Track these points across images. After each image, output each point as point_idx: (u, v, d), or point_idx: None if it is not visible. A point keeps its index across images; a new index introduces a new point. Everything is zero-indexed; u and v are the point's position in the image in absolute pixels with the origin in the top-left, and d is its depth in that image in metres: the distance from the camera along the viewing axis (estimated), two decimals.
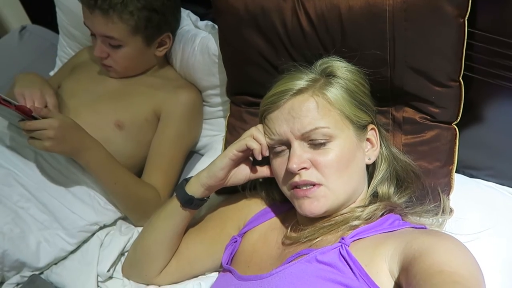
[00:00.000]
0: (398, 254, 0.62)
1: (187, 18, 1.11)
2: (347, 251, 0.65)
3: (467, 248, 0.62)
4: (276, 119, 0.73)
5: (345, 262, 0.64)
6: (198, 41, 1.05)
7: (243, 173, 0.81)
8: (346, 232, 0.70)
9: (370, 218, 0.71)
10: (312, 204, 0.70)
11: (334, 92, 0.73)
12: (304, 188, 0.71)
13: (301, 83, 0.73)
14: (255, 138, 0.75)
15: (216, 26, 1.04)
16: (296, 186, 0.72)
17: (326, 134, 0.70)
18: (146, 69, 1.08)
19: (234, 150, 0.76)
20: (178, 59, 1.10)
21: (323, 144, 0.70)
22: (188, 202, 0.80)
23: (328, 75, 0.75)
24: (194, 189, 0.79)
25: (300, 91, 0.72)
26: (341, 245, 0.66)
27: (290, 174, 0.72)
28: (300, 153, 0.70)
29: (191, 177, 0.82)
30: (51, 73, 1.36)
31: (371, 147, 0.76)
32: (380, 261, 0.63)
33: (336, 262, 0.64)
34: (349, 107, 0.73)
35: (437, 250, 0.59)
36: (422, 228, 0.73)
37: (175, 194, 0.82)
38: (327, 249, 0.66)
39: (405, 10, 0.74)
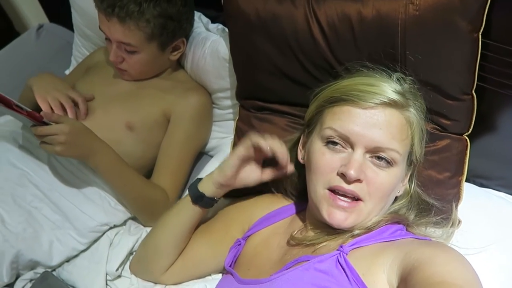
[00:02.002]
0: (397, 264, 0.62)
1: (199, 20, 1.11)
2: (344, 259, 0.65)
3: (467, 260, 0.61)
4: (354, 116, 0.68)
5: (342, 270, 0.64)
6: (209, 44, 1.06)
7: (254, 173, 0.81)
8: (347, 240, 0.69)
9: (373, 227, 0.71)
10: (345, 218, 0.68)
11: (416, 117, 0.71)
12: (344, 198, 0.68)
13: (393, 94, 0.69)
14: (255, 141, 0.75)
15: (227, 30, 1.05)
16: (334, 191, 0.69)
17: (394, 159, 0.68)
18: (159, 72, 1.09)
19: (242, 148, 0.77)
20: (189, 62, 1.10)
21: (385, 166, 0.68)
22: (199, 198, 0.81)
23: (410, 98, 0.72)
24: (205, 187, 0.81)
25: (393, 105, 0.68)
26: (340, 253, 0.66)
27: (335, 174, 0.68)
28: (362, 163, 0.67)
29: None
30: (67, 72, 1.38)
31: (403, 182, 0.75)
32: (379, 270, 0.63)
33: (333, 270, 0.64)
34: (418, 141, 0.72)
35: (437, 261, 0.58)
36: (424, 239, 0.72)
37: (187, 191, 0.83)
38: (325, 257, 0.66)
39: (417, 24, 0.72)
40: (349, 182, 0.67)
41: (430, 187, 0.81)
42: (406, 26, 0.73)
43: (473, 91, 0.79)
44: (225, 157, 0.82)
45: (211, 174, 0.81)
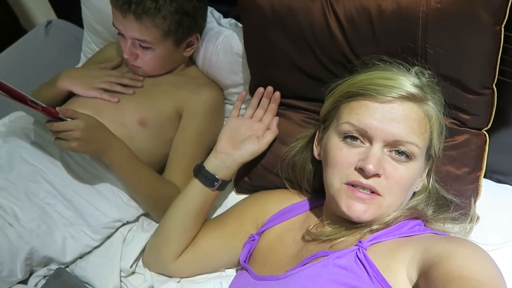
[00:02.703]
0: (416, 259, 0.61)
1: (210, 15, 1.10)
2: (364, 255, 0.64)
3: (489, 255, 0.60)
4: (372, 110, 0.67)
5: (361, 265, 0.63)
6: (221, 39, 1.05)
7: (252, 143, 0.88)
8: (365, 235, 0.69)
9: (392, 222, 0.70)
10: (365, 210, 0.67)
11: (435, 111, 0.70)
12: (362, 191, 0.67)
13: (411, 87, 0.68)
14: None
15: (240, 24, 1.04)
16: (353, 185, 0.68)
17: (414, 152, 0.67)
18: (172, 68, 1.09)
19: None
20: (201, 57, 1.09)
21: (404, 160, 0.67)
22: (209, 180, 0.86)
23: (429, 92, 0.71)
24: (212, 166, 0.87)
25: (411, 98, 0.68)
26: (358, 248, 0.65)
27: (353, 169, 0.67)
28: (381, 157, 0.67)
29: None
30: None
31: (421, 177, 0.74)
32: (398, 266, 0.62)
33: (352, 265, 0.63)
34: (436, 135, 0.71)
35: (457, 255, 0.58)
36: (444, 234, 0.71)
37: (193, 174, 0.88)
38: (344, 252, 0.66)
39: (439, 17, 0.71)
40: (367, 176, 0.66)
41: (448, 182, 0.80)
42: (427, 19, 0.72)
43: (494, 85, 0.77)
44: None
45: (213, 153, 0.88)
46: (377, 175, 0.66)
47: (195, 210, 0.86)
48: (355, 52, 0.80)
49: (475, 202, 0.83)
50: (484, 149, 0.83)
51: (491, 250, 0.72)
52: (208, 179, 0.85)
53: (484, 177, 0.87)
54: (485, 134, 0.83)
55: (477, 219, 0.82)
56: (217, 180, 0.85)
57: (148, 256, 0.91)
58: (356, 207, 0.67)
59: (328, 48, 0.82)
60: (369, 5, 0.75)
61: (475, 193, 0.83)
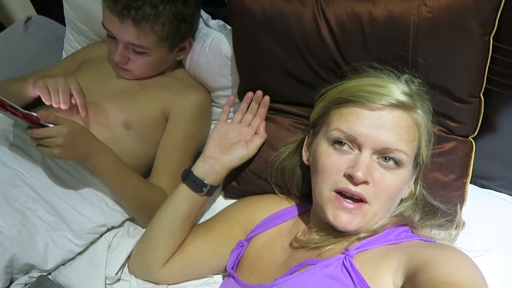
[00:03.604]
0: (402, 267, 0.61)
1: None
2: (350, 263, 0.64)
3: (472, 261, 0.61)
4: (362, 117, 0.67)
5: (347, 273, 0.64)
6: (210, 41, 1.03)
7: (241, 148, 0.88)
8: (352, 243, 0.69)
9: (379, 230, 0.70)
10: (351, 220, 0.67)
11: (423, 119, 0.70)
12: (350, 201, 0.67)
13: (400, 95, 0.68)
14: None
15: (228, 27, 1.03)
16: (341, 193, 0.68)
17: (402, 160, 0.67)
18: (161, 71, 1.07)
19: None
20: (188, 59, 1.07)
21: (393, 168, 0.67)
22: (196, 185, 0.85)
23: (418, 100, 0.71)
24: (200, 171, 0.86)
25: (401, 106, 0.68)
26: (345, 257, 0.65)
27: (342, 176, 0.67)
28: (370, 164, 0.67)
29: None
30: None
31: (408, 184, 0.74)
32: (384, 274, 0.62)
33: (338, 274, 0.64)
34: (424, 142, 0.71)
35: (442, 261, 0.58)
36: (430, 241, 0.72)
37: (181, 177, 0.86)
38: (331, 261, 0.66)
39: (430, 26, 0.72)
40: (356, 184, 0.66)
41: (435, 189, 0.81)
42: (418, 28, 0.72)
43: (481, 94, 0.79)
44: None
45: (201, 158, 0.86)
46: (365, 182, 0.66)
47: (183, 215, 0.85)
48: (345, 58, 0.79)
49: (461, 208, 0.84)
50: (471, 156, 0.84)
51: (475, 256, 0.73)
52: (196, 185, 0.84)
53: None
54: (471, 142, 0.84)
55: (462, 225, 0.83)
56: (205, 185, 0.84)
57: (134, 263, 0.89)
58: (343, 217, 0.67)
59: (319, 54, 0.81)
60: (361, 12, 0.75)
61: (461, 199, 0.85)
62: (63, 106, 0.90)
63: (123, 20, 0.90)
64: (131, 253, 0.93)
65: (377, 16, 0.74)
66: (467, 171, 0.84)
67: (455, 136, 0.83)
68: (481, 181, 0.96)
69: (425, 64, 0.75)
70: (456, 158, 0.83)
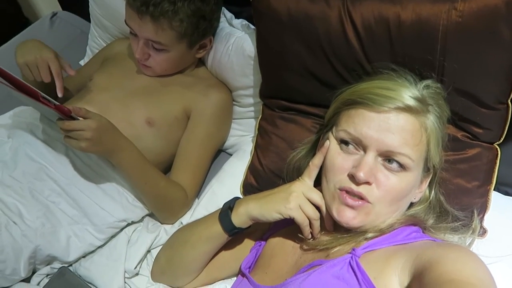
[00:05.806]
0: (408, 267, 0.61)
1: (222, 15, 1.09)
2: (356, 263, 0.64)
3: (480, 259, 0.60)
4: (368, 119, 0.68)
5: (353, 273, 0.63)
6: (233, 40, 1.03)
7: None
8: (360, 243, 0.69)
9: (387, 230, 0.70)
10: (354, 217, 0.68)
11: (433, 123, 0.69)
12: (353, 197, 0.68)
13: (409, 99, 0.67)
14: (303, 209, 0.73)
15: (252, 26, 1.03)
16: (345, 190, 0.69)
17: (406, 164, 0.67)
18: (183, 69, 1.07)
19: (280, 215, 0.74)
20: (210, 57, 1.08)
21: (397, 170, 0.67)
22: (232, 231, 0.78)
23: (431, 104, 0.70)
24: (241, 221, 0.77)
25: (407, 109, 0.67)
26: (351, 257, 0.65)
27: (345, 175, 0.68)
28: (373, 166, 0.67)
29: (235, 199, 0.80)
30: (81, 62, 1.35)
31: (419, 189, 0.73)
32: (390, 274, 0.62)
33: (344, 274, 0.64)
34: (434, 147, 0.70)
35: (448, 259, 0.58)
36: (440, 241, 0.70)
37: (218, 220, 0.78)
38: (338, 261, 0.66)
39: (459, 31, 0.71)
40: (358, 183, 0.67)
41: (458, 196, 0.80)
42: (447, 32, 0.71)
43: (509, 101, 0.77)
44: (270, 197, 0.76)
45: (248, 207, 0.76)
46: (367, 183, 0.67)
47: (218, 248, 0.84)
48: (371, 61, 0.79)
49: (483, 215, 0.83)
50: (495, 163, 0.82)
51: (492, 262, 0.72)
52: (231, 230, 0.79)
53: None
54: (496, 148, 0.82)
55: (484, 232, 0.81)
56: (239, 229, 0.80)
57: (161, 278, 0.89)
58: (346, 213, 0.68)
59: (344, 56, 0.81)
60: (388, 15, 0.74)
61: (484, 206, 0.83)
62: (45, 80, 0.91)
63: (142, 16, 0.91)
64: (149, 247, 0.94)
65: (405, 19, 0.73)
66: (491, 178, 0.83)
67: (479, 142, 0.82)
68: (506, 188, 0.94)
69: (452, 69, 0.74)
70: (480, 165, 0.82)
